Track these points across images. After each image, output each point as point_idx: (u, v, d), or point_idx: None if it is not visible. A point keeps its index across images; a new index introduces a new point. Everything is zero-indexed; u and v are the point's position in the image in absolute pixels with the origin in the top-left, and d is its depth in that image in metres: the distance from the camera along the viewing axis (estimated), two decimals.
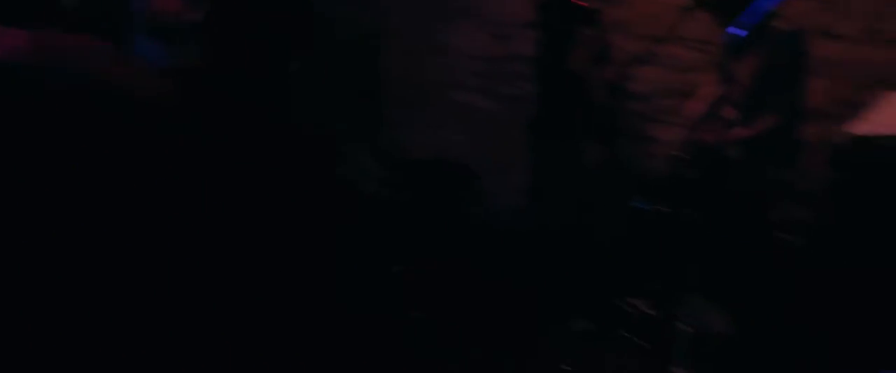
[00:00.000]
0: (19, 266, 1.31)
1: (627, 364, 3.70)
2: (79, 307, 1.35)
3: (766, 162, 3.86)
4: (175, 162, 1.46)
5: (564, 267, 4.76)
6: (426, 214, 5.11)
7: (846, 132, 3.73)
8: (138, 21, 1.79)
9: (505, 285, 4.59)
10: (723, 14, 3.67)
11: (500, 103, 5.75)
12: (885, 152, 3.53)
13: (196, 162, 1.50)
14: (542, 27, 4.82)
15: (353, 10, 5.85)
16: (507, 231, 5.45)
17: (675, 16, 3.72)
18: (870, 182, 3.69)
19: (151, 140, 1.42)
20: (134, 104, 1.44)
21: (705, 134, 3.90)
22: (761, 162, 3.85)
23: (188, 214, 1.47)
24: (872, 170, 3.59)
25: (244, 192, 1.58)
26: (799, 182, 5.06)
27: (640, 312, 4.08)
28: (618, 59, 4.90)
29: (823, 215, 4.89)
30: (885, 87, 4.77)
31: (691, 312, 4.15)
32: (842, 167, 3.80)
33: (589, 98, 4.77)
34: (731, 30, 3.89)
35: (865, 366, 3.57)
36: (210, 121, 1.59)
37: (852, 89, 4.91)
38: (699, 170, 4.08)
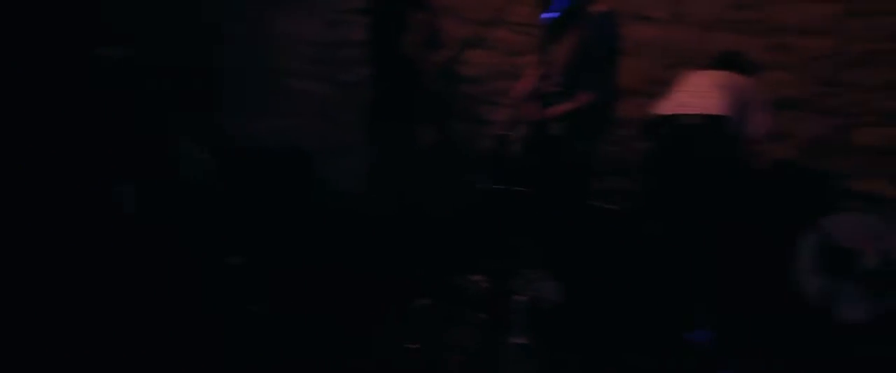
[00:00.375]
0: None
1: (469, 338, 3.82)
2: None
3: (584, 136, 4.08)
4: None
5: (405, 247, 4.84)
6: (262, 202, 5.02)
7: (654, 110, 4.06)
8: None
9: (346, 269, 4.60)
10: None
11: (335, 89, 5.75)
12: (685, 128, 3.87)
13: None
14: (375, 13, 4.85)
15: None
16: (347, 214, 5.46)
17: (502, 0, 3.88)
18: (672, 154, 4.04)
19: None
20: None
21: (529, 112, 4.06)
22: (580, 137, 4.06)
23: None
24: (675, 143, 3.93)
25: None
26: (619, 155, 5.43)
27: (479, 287, 4.22)
28: (449, 43, 5.03)
29: (639, 184, 5.28)
30: (689, 66, 5.21)
31: (527, 284, 4.36)
32: (651, 141, 4.14)
33: (423, 82, 4.86)
34: (549, 13, 4.11)
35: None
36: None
37: (662, 69, 5.32)
38: (525, 147, 4.26)
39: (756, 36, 5.16)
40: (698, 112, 3.95)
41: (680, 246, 4.23)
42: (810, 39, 5.12)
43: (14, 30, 4.93)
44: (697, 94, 4.06)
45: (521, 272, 4.46)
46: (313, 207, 5.50)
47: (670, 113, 4.01)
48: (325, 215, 5.53)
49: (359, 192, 5.56)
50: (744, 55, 4.41)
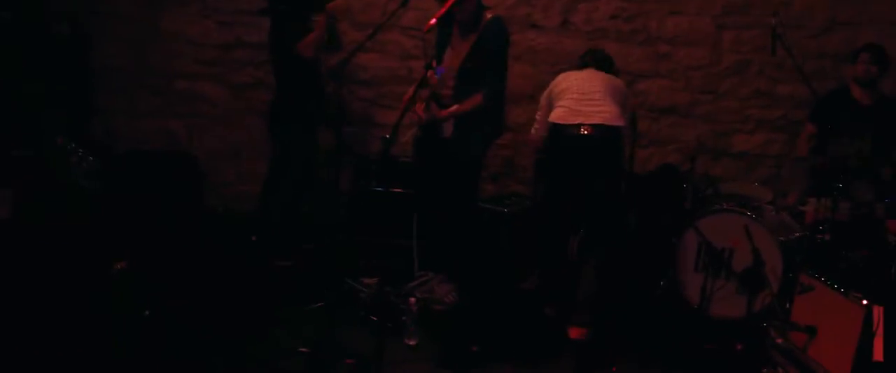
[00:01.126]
0: None
1: (362, 340, 3.81)
2: None
3: (475, 139, 4.15)
4: None
5: (298, 250, 4.79)
6: (147, 205, 4.86)
7: (551, 118, 4.13)
8: None
9: (235, 273, 4.52)
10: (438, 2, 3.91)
11: (227, 91, 5.63)
12: (586, 140, 3.97)
13: None
14: (271, 14, 4.77)
15: None
16: (237, 218, 5.36)
17: (394, 4, 3.90)
18: (558, 160, 4.16)
19: None
20: None
21: (420, 115, 4.11)
22: (471, 139, 4.12)
23: None
24: (575, 154, 4.03)
25: None
26: (510, 158, 5.56)
27: (371, 290, 4.24)
28: (345, 46, 5.03)
29: (535, 188, 5.41)
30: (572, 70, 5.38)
31: (419, 286, 4.40)
32: (549, 149, 4.22)
33: (319, 85, 4.83)
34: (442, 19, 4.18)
35: None
36: None
37: (551, 75, 5.46)
38: (417, 149, 4.31)
39: (639, 46, 5.39)
40: (599, 123, 4.02)
41: (568, 246, 4.37)
42: (688, 50, 5.39)
43: None
44: (592, 102, 4.11)
45: (415, 275, 4.52)
46: (201, 211, 5.37)
47: (570, 123, 4.06)
48: (213, 219, 5.41)
49: (251, 195, 5.46)
50: (610, 55, 4.52)
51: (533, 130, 4.44)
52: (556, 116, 4.13)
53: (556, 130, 4.12)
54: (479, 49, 4.03)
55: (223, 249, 4.89)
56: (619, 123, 4.08)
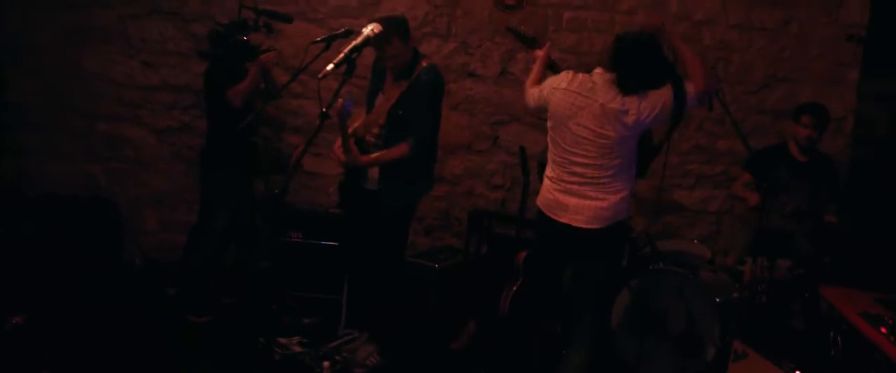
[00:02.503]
0: None
1: None
2: None
3: (403, 189, 3.92)
4: None
5: (218, 305, 4.53)
6: (58, 255, 4.55)
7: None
8: None
9: (146, 330, 4.22)
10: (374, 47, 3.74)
11: (151, 135, 5.36)
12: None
13: None
14: (204, 56, 4.64)
15: None
16: (157, 269, 5.08)
17: (319, 50, 3.71)
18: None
19: None
20: None
21: (340, 157, 3.88)
22: (398, 188, 3.90)
23: None
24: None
25: None
26: (451, 210, 5.38)
27: (286, 351, 3.96)
28: (276, 92, 4.83)
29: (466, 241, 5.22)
30: (512, 120, 5.26)
31: (340, 346, 4.14)
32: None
33: (249, 133, 4.66)
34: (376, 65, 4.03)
35: None
36: None
37: (489, 125, 5.34)
38: (342, 197, 4.09)
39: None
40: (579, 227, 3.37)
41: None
42: None
43: None
44: (575, 178, 3.38)
45: (339, 333, 4.26)
46: (117, 262, 5.06)
47: (550, 217, 3.46)
48: (130, 271, 5.10)
49: (173, 245, 5.18)
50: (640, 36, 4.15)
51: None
52: (543, 202, 3.53)
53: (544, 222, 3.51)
54: (411, 95, 3.85)
55: (137, 304, 4.60)
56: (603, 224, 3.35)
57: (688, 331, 3.83)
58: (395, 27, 3.72)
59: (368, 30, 2.58)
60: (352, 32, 3.80)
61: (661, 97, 3.28)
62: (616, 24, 5.24)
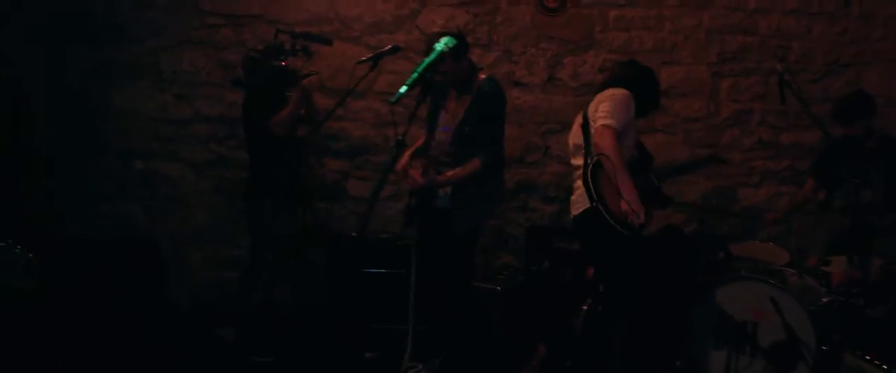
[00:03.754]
0: None
1: None
2: None
3: (473, 208, 3.76)
4: None
5: (279, 344, 4.32)
6: (101, 302, 4.35)
7: None
8: None
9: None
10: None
11: (188, 168, 5.16)
12: None
13: None
14: (245, 87, 4.40)
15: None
16: (207, 310, 4.87)
17: (366, 70, 3.48)
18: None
19: None
20: None
21: (418, 180, 3.73)
22: (468, 208, 3.74)
23: None
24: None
25: None
26: (505, 227, 5.12)
27: None
28: (318, 118, 4.62)
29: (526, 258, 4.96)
30: (563, 128, 5.00)
31: None
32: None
33: (291, 159, 4.43)
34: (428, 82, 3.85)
35: None
36: None
37: (538, 135, 5.09)
38: (409, 219, 3.88)
39: None
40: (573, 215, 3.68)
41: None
42: (684, 101, 5.03)
43: None
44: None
45: (403, 367, 4.02)
46: (164, 305, 4.85)
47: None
48: (176, 311, 4.89)
49: (218, 283, 4.98)
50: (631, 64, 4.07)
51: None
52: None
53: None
54: (476, 110, 3.68)
55: (190, 347, 4.39)
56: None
57: (782, 343, 3.54)
58: (462, 42, 3.58)
59: (442, 45, 2.35)
60: (399, 49, 3.59)
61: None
62: (664, 18, 4.98)
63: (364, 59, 3.28)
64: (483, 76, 3.76)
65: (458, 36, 3.53)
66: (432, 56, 2.38)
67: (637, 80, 3.71)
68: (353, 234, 4.17)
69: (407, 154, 3.94)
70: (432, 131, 3.84)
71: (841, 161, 4.24)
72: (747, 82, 5.00)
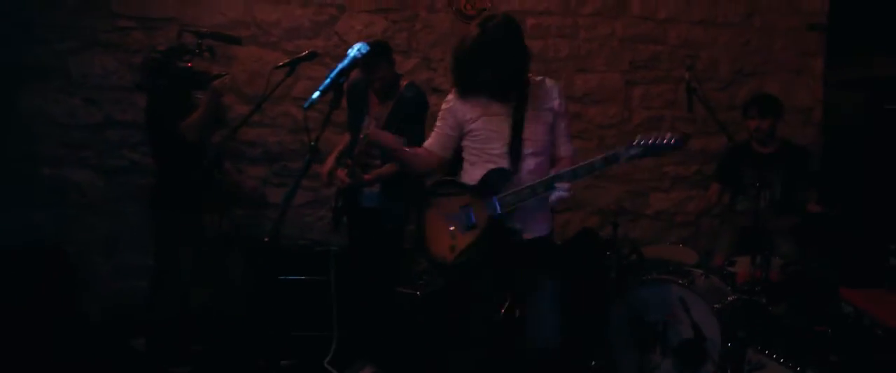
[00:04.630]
0: None
1: None
2: None
3: (398, 207, 3.97)
4: None
5: (194, 353, 4.23)
6: (9, 312, 4.18)
7: None
8: None
9: None
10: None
11: (98, 175, 5.00)
12: None
13: None
14: (148, 90, 4.24)
15: None
16: (114, 320, 4.73)
17: (282, 76, 3.44)
18: None
19: None
20: None
21: (343, 179, 3.93)
22: (394, 207, 3.96)
23: None
24: None
25: None
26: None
27: None
28: (228, 121, 4.55)
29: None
30: None
31: None
32: None
33: (204, 165, 4.33)
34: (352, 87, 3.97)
35: None
36: None
37: None
38: (336, 221, 3.99)
39: None
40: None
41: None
42: (598, 108, 5.17)
43: None
44: None
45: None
46: (73, 314, 4.69)
47: None
48: (87, 322, 4.74)
49: (130, 293, 4.83)
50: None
51: None
52: None
53: None
54: (398, 114, 3.92)
55: (104, 359, 4.26)
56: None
57: (691, 342, 3.67)
58: (382, 49, 3.88)
59: (355, 50, 2.37)
60: (316, 55, 3.56)
61: None
62: (579, 27, 5.11)
63: (281, 64, 3.25)
64: (404, 82, 4.04)
65: (386, 43, 3.86)
66: (345, 61, 2.39)
67: None
68: (266, 239, 4.09)
69: (332, 157, 4.03)
70: (356, 135, 3.98)
71: (742, 166, 4.45)
72: (658, 89, 5.18)
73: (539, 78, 3.22)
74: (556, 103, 3.18)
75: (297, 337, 4.38)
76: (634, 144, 2.68)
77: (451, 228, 3.16)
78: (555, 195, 2.94)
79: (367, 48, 2.36)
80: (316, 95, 2.26)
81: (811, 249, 4.34)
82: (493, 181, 3.09)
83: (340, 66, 2.40)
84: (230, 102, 4.83)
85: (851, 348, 3.22)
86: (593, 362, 4.02)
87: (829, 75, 5.24)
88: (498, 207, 3.06)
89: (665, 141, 2.71)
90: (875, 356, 2.93)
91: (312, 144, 2.45)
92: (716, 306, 3.85)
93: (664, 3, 5.11)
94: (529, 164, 3.12)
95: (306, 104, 2.29)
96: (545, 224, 3.24)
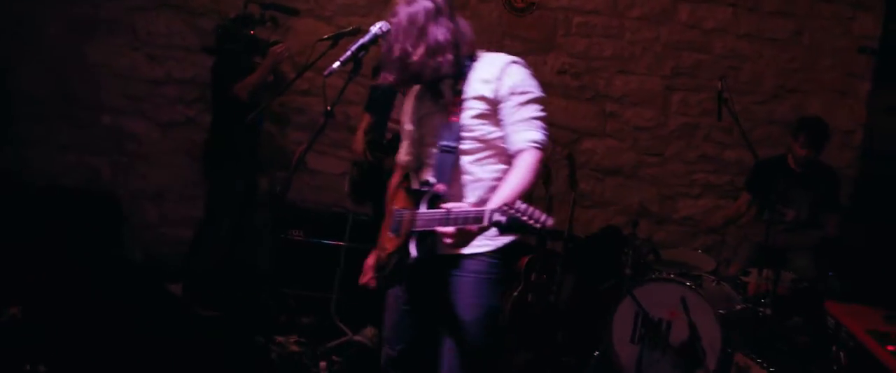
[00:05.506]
0: None
1: None
2: None
3: None
4: None
5: (227, 301, 4.51)
6: (57, 248, 4.51)
7: None
8: None
9: (145, 330, 4.18)
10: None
11: (155, 128, 5.32)
12: None
13: None
14: (216, 52, 4.62)
15: None
16: (155, 264, 5.04)
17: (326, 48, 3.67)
18: None
19: None
20: None
21: (368, 157, 4.05)
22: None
23: None
24: None
25: None
26: None
27: (283, 349, 3.92)
28: (283, 88, 4.81)
29: None
30: None
31: (340, 345, 4.11)
32: None
33: (254, 128, 4.66)
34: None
35: None
36: None
37: None
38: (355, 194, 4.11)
39: (587, 103, 5.25)
40: None
41: None
42: (635, 110, 5.26)
43: None
44: None
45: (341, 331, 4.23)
46: (118, 255, 5.02)
47: None
48: (129, 264, 5.06)
49: (173, 239, 5.14)
50: None
51: None
52: None
53: None
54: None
55: (138, 301, 4.56)
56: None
57: (689, 342, 3.78)
58: None
59: (377, 28, 2.53)
60: (360, 30, 3.74)
61: None
62: (625, 29, 5.20)
63: (325, 37, 3.46)
64: None
65: None
66: (366, 37, 2.56)
67: None
68: (278, 190, 4.38)
69: (360, 133, 4.21)
70: (382, 116, 4.14)
71: (775, 180, 4.48)
72: (697, 98, 5.24)
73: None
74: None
75: (316, 297, 4.60)
76: (505, 209, 2.00)
77: (389, 229, 2.63)
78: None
79: (388, 26, 2.52)
80: (336, 64, 2.45)
81: (828, 269, 4.37)
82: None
83: (361, 41, 2.58)
84: (287, 70, 5.08)
85: (825, 358, 3.30)
86: (596, 353, 4.15)
87: (874, 100, 5.22)
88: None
89: (533, 222, 1.98)
90: (844, 366, 3.01)
91: (328, 108, 2.65)
92: (721, 311, 3.95)
93: (712, 14, 5.16)
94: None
95: (327, 73, 2.47)
96: (482, 239, 2.41)
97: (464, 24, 2.56)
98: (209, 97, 4.79)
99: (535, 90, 2.45)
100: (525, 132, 2.40)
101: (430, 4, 2.48)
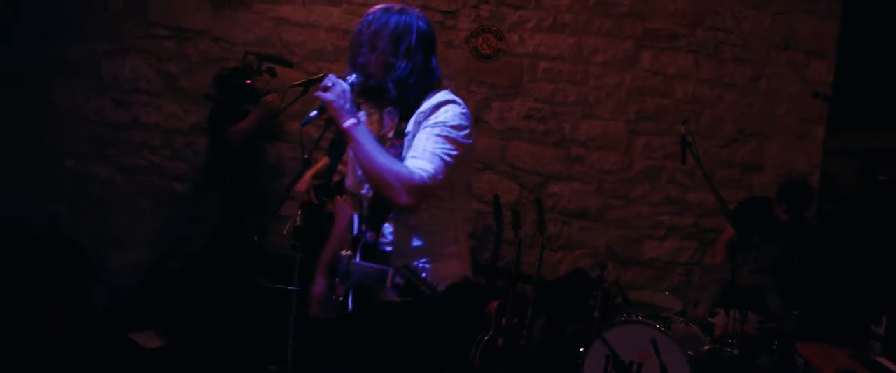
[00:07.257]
0: None
1: None
2: None
3: None
4: None
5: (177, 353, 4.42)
6: (19, 300, 4.41)
7: None
8: None
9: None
10: None
11: (119, 173, 5.24)
12: None
13: None
14: (209, 99, 4.95)
15: None
16: (120, 312, 4.94)
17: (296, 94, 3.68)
18: None
19: None
20: None
21: (313, 199, 4.16)
22: None
23: None
24: None
25: None
26: None
27: None
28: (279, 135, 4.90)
29: None
30: (485, 168, 5.25)
31: None
32: None
33: (226, 171, 4.73)
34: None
35: None
36: None
37: None
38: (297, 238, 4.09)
39: (553, 147, 5.33)
40: None
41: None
42: (601, 154, 5.35)
43: None
44: None
45: None
46: (81, 303, 4.91)
47: None
48: (92, 313, 4.95)
49: (134, 286, 5.05)
50: None
51: None
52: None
53: None
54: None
55: (103, 350, 4.47)
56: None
57: None
58: None
59: (353, 78, 2.55)
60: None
61: None
62: (590, 75, 5.31)
63: (296, 83, 3.48)
64: None
65: None
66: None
67: None
68: (255, 239, 4.46)
69: (308, 176, 4.24)
70: (337, 158, 4.20)
71: (756, 222, 4.58)
72: (660, 142, 5.35)
73: None
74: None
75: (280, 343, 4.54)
76: (404, 270, 2.12)
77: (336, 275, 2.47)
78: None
79: (362, 79, 2.53)
80: (313, 113, 2.45)
81: (797, 308, 4.46)
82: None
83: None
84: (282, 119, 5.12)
85: None
86: None
87: (829, 142, 5.39)
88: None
89: (425, 289, 2.09)
90: None
91: (306, 157, 2.66)
92: (690, 352, 4.00)
93: (674, 60, 5.31)
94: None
95: (303, 121, 2.47)
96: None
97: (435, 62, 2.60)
98: (177, 143, 4.84)
99: (454, 133, 2.32)
100: (420, 160, 2.28)
101: (423, 26, 2.58)
